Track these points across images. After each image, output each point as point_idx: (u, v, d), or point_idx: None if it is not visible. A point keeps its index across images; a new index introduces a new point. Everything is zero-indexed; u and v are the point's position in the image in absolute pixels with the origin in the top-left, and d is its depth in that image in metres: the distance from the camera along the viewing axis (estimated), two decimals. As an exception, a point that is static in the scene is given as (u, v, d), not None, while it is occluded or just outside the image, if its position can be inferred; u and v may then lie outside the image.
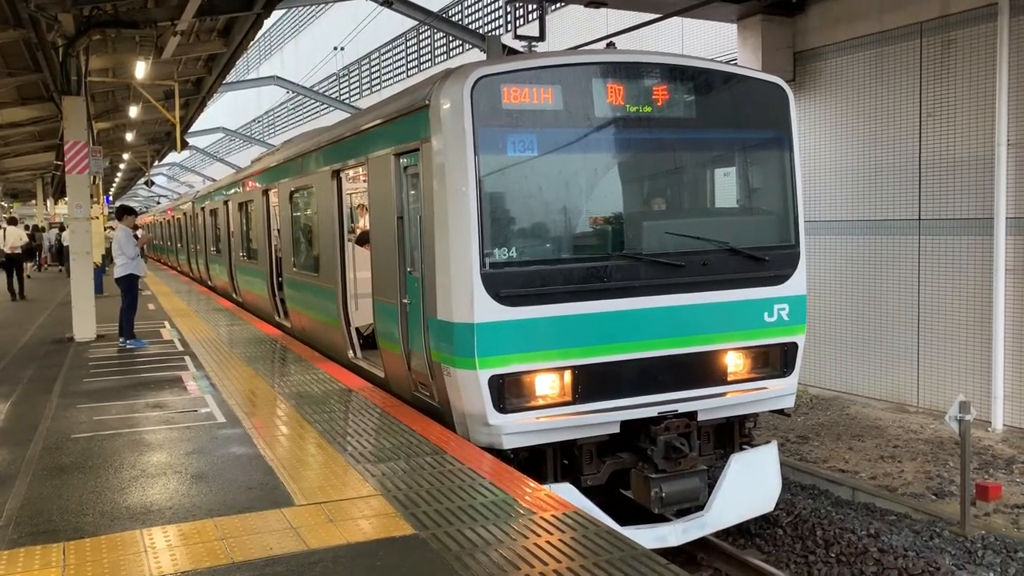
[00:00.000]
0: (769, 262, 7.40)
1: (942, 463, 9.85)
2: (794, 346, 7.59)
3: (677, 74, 7.20)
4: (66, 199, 14.00)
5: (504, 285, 6.47)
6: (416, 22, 20.30)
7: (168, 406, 7.97)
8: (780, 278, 7.49)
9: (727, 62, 10.80)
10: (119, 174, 42.83)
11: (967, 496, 7.98)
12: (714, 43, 14.61)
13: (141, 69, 14.87)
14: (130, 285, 11.92)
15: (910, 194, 11.84)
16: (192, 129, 29.45)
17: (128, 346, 11.66)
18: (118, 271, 11.91)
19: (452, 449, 6.19)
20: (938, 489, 9.11)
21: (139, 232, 12.51)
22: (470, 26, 23.55)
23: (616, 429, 6.90)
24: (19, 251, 21.74)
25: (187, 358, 10.62)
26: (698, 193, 7.89)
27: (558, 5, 18.24)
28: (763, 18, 13.02)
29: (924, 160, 11.62)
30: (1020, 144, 10.41)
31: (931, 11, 11.39)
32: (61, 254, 29.49)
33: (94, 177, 18.00)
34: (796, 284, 7.56)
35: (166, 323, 14.23)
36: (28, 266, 24.90)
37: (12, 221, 25.34)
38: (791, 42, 13.33)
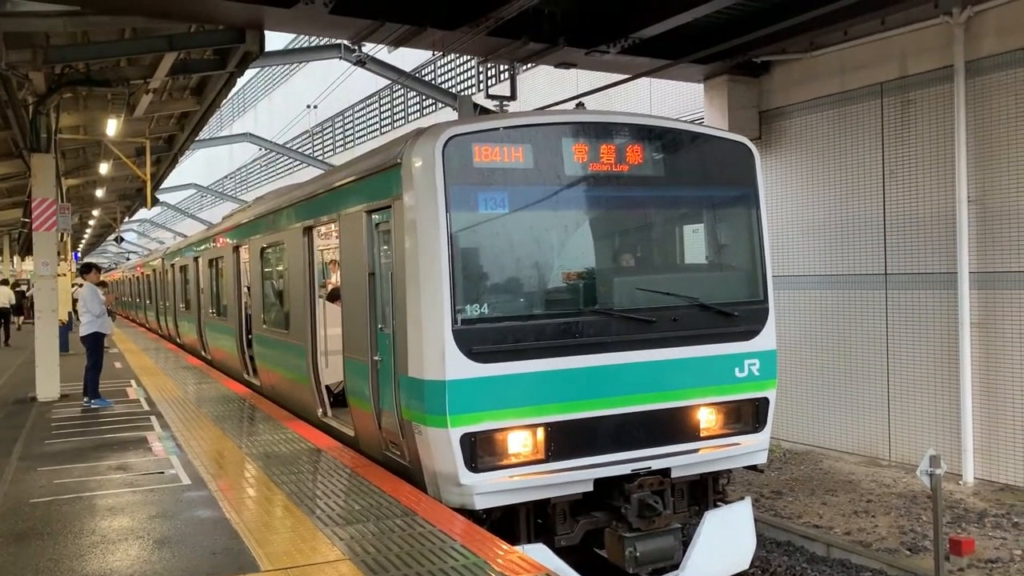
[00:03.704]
0: (738, 317, 7.45)
1: (915, 517, 9.84)
2: (766, 401, 7.61)
3: (645, 133, 7.32)
4: (33, 256, 13.84)
5: (476, 341, 6.44)
6: (389, 81, 20.54)
7: (132, 468, 7.78)
8: (750, 333, 7.53)
9: (694, 121, 11.01)
10: (88, 230, 42.50)
11: (941, 551, 7.95)
12: (682, 103, 14.92)
13: (112, 127, 14.90)
14: (96, 343, 11.72)
15: (876, 249, 12.04)
16: (164, 185, 29.40)
17: (93, 406, 11.43)
18: (83, 329, 11.72)
19: (423, 511, 6.09)
20: (912, 544, 9.09)
21: (103, 290, 12.34)
22: (443, 85, 23.88)
23: (590, 487, 6.83)
24: (7, 307, 26.41)
25: (153, 418, 10.41)
26: (667, 250, 7.96)
27: (529, 66, 18.56)
28: (729, 78, 13.33)
29: (889, 216, 11.85)
30: (980, 201, 10.66)
31: (890, 72, 11.74)
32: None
33: (62, 234, 17.84)
34: (766, 339, 7.61)
35: (133, 382, 13.98)
36: (18, 320, 30.57)
37: (3, 282, 29.84)
38: (757, 101, 13.65)
